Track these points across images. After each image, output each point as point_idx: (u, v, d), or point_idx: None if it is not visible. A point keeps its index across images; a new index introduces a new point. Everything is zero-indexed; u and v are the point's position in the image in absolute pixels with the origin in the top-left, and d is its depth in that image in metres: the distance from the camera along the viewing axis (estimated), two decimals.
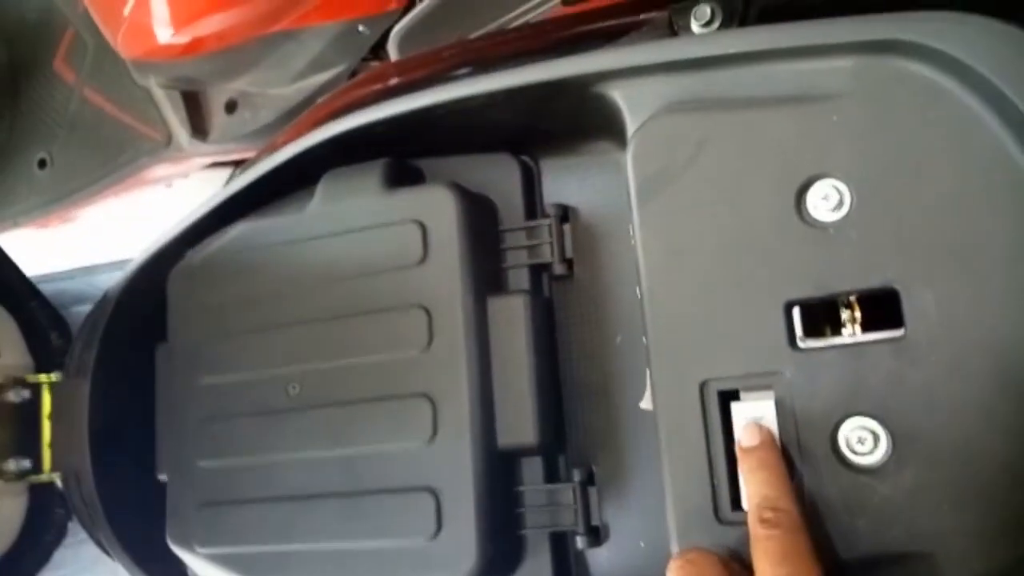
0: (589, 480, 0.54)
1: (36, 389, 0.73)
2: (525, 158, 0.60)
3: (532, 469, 0.54)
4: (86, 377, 0.69)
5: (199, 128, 1.10)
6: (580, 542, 0.53)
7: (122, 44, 1.06)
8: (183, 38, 0.99)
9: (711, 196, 0.44)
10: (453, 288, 0.54)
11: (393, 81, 0.69)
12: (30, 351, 0.74)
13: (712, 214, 0.44)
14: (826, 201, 0.42)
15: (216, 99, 1.11)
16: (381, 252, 0.56)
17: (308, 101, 1.05)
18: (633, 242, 0.48)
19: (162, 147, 1.19)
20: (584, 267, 0.57)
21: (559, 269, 0.57)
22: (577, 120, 0.56)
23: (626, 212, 0.53)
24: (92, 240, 1.36)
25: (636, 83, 0.47)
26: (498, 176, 0.60)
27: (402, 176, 0.60)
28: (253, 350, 0.58)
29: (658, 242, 0.46)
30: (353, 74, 1.01)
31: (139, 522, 0.65)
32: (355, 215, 0.57)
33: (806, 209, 0.43)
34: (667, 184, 0.45)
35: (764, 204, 0.43)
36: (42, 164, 1.31)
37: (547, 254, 0.57)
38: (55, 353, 0.75)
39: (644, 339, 0.46)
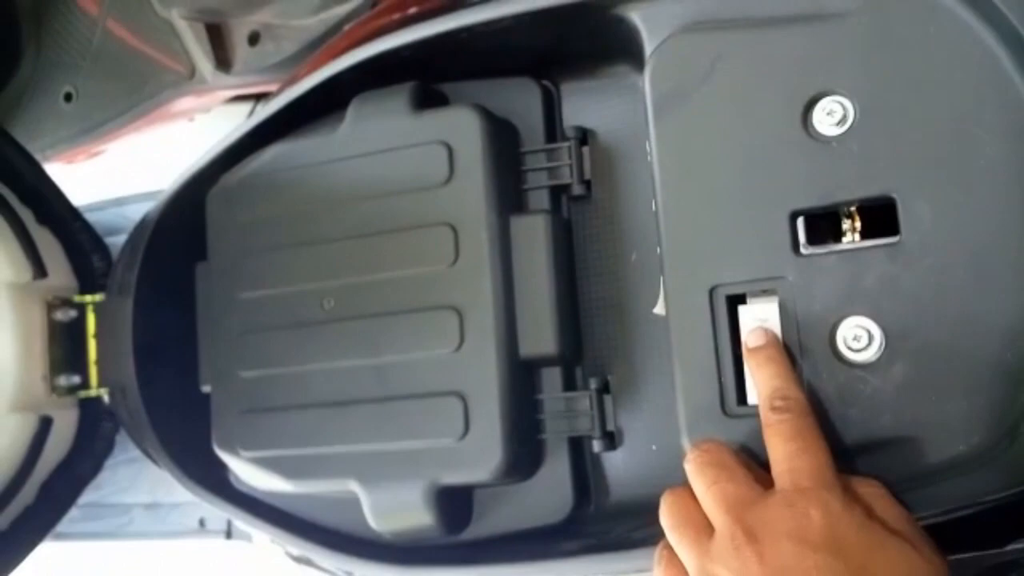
0: (604, 388, 0.58)
1: (81, 309, 0.78)
2: (546, 82, 0.63)
3: (552, 378, 0.58)
4: (128, 296, 0.73)
5: (223, 60, 1.12)
6: (596, 446, 0.57)
7: None
8: None
9: (723, 112, 0.47)
10: (478, 207, 0.57)
11: (412, 9, 0.72)
12: (74, 272, 0.78)
13: (723, 129, 0.47)
14: (830, 116, 0.45)
15: (239, 31, 1.13)
16: (409, 172, 0.59)
17: (330, 32, 1.06)
18: (649, 159, 0.51)
19: (185, 80, 1.21)
20: (602, 188, 0.60)
21: (578, 190, 0.60)
22: (597, 43, 0.59)
23: (643, 134, 0.56)
24: (119, 174, 1.40)
25: (654, 5, 0.50)
26: (520, 100, 0.62)
27: (428, 99, 0.62)
28: (288, 266, 0.62)
29: (672, 156, 0.49)
30: (375, 4, 1.03)
31: (183, 431, 0.71)
32: (383, 136, 0.60)
33: (812, 124, 0.45)
34: (682, 101, 0.48)
35: (772, 119, 0.46)
36: (68, 98, 1.33)
37: (566, 175, 0.60)
38: (97, 275, 0.79)
39: (658, 249, 0.50)
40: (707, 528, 0.41)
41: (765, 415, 0.42)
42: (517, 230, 0.58)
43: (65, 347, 0.76)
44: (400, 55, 0.61)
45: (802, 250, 0.45)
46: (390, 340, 0.58)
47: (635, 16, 0.51)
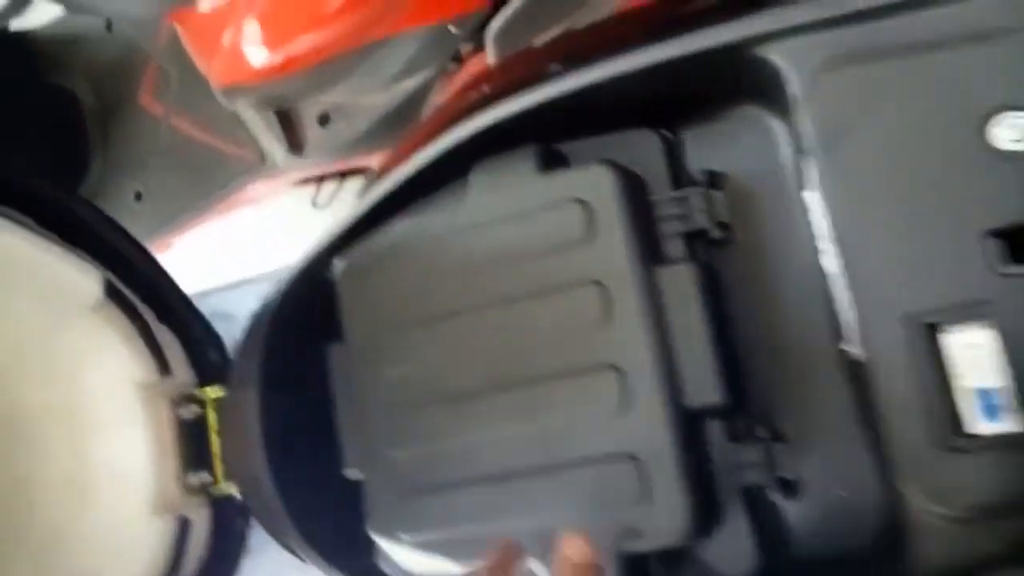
0: (777, 435, 0.56)
1: (202, 403, 0.77)
2: (663, 131, 0.62)
3: (719, 430, 0.56)
4: (252, 387, 0.72)
5: (294, 143, 1.14)
6: (774, 496, 0.55)
7: (217, 72, 1.09)
8: (277, 58, 1.03)
9: (895, 139, 0.46)
10: (622, 261, 0.56)
11: (512, 77, 0.72)
12: (192, 367, 0.77)
13: (899, 156, 0.46)
14: (1012, 130, 0.44)
15: (308, 113, 1.14)
16: (546, 233, 0.58)
17: (402, 106, 1.07)
18: (807, 194, 0.49)
19: (256, 166, 1.23)
20: (742, 229, 0.59)
21: (717, 233, 0.59)
22: (721, 86, 0.58)
23: (781, 171, 0.55)
24: (192, 265, 1.41)
25: (794, 42, 0.49)
26: (640, 151, 0.62)
27: (549, 160, 0.62)
28: (433, 338, 0.61)
29: (846, 189, 0.47)
30: (458, 59, 1.03)
31: (324, 520, 0.69)
32: (514, 200, 0.60)
33: (994, 140, 0.44)
34: (848, 134, 0.47)
35: (950, 140, 0.45)
36: (138, 196, 1.36)
37: (701, 220, 0.59)
38: (214, 367, 0.78)
39: (840, 283, 0.48)
40: None
41: None
42: (664, 281, 0.57)
43: (191, 444, 0.75)
44: (517, 121, 0.60)
45: (1004, 270, 0.44)
46: (550, 405, 0.57)
47: (774, 56, 0.50)
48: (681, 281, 0.56)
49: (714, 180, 0.59)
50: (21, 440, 0.66)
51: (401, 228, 0.64)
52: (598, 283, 0.56)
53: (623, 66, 0.55)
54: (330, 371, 0.69)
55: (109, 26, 1.41)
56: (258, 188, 1.26)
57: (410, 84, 1.05)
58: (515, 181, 0.60)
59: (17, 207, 0.64)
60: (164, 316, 0.75)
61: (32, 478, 0.68)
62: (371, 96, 1.09)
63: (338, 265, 0.70)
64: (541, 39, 0.94)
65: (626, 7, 0.87)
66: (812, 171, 0.49)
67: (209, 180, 1.27)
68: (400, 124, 1.10)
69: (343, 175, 1.33)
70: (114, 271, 0.69)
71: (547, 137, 0.64)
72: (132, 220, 1.37)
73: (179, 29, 1.11)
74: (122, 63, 1.38)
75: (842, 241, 0.47)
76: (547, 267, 0.58)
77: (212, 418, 0.78)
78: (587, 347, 0.56)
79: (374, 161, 1.24)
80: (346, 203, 1.32)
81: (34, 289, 0.65)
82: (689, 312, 0.56)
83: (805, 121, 0.48)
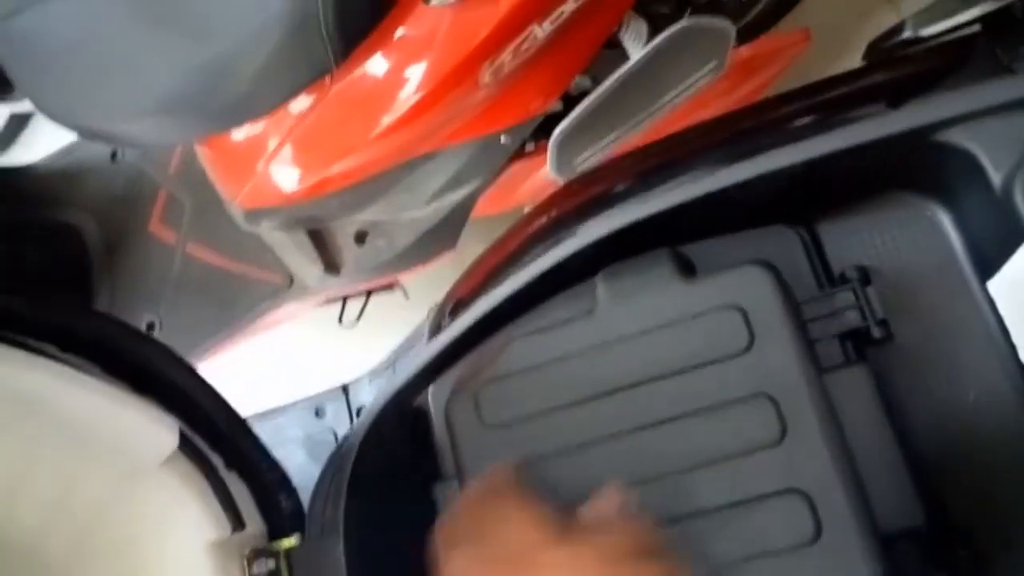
0: (978, 556, 0.49)
1: (277, 557, 0.68)
2: (798, 228, 0.58)
3: (918, 553, 0.49)
4: (336, 536, 0.63)
5: (330, 263, 1.07)
6: None
7: (246, 198, 1.04)
8: (310, 181, 0.97)
9: None
10: (792, 371, 0.51)
11: (598, 190, 0.68)
12: (263, 517, 0.68)
13: None
14: None
15: (343, 232, 1.09)
16: (698, 345, 0.53)
17: (446, 219, 1.03)
18: (994, 285, 0.45)
19: (283, 289, 1.16)
20: (906, 326, 0.54)
21: (877, 332, 0.53)
22: (868, 177, 0.54)
23: (952, 261, 0.51)
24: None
25: (994, 123, 0.45)
26: (777, 249, 0.57)
27: (681, 262, 0.57)
28: (577, 472, 0.53)
29: None
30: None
31: None
32: (657, 311, 0.54)
33: None
34: None
35: None
36: (151, 327, 1.27)
37: (858, 319, 0.54)
38: (287, 515, 0.69)
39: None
40: None
41: None
42: (838, 388, 0.51)
43: None
44: (643, 225, 0.55)
45: None
46: (730, 542, 0.49)
47: (964, 140, 0.46)
48: (856, 386, 0.51)
49: (864, 275, 0.55)
50: None
51: (522, 347, 0.57)
52: (768, 396, 0.50)
53: (771, 163, 0.50)
54: (439, 513, 0.60)
55: (114, 156, 1.36)
56: (285, 311, 1.19)
57: (454, 197, 1.01)
58: (655, 290, 0.55)
59: (83, 355, 0.56)
60: (233, 462, 0.66)
61: None
62: (412, 212, 1.04)
63: (437, 394, 0.63)
64: (601, 151, 0.92)
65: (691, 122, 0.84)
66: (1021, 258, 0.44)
67: (231, 307, 1.20)
68: (444, 239, 1.05)
69: (369, 292, 1.26)
70: (185, 418, 0.60)
71: (670, 240, 0.59)
72: None
73: (204, 156, 1.07)
74: (129, 193, 1.32)
75: None
76: (708, 381, 0.52)
77: (285, 570, 0.68)
78: (766, 470, 0.49)
79: (408, 276, 1.18)
80: (377, 321, 1.25)
81: (101, 451, 0.56)
82: (871, 422, 0.50)
83: (1016, 202, 0.44)
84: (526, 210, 0.74)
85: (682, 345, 0.53)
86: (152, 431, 0.57)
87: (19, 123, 1.71)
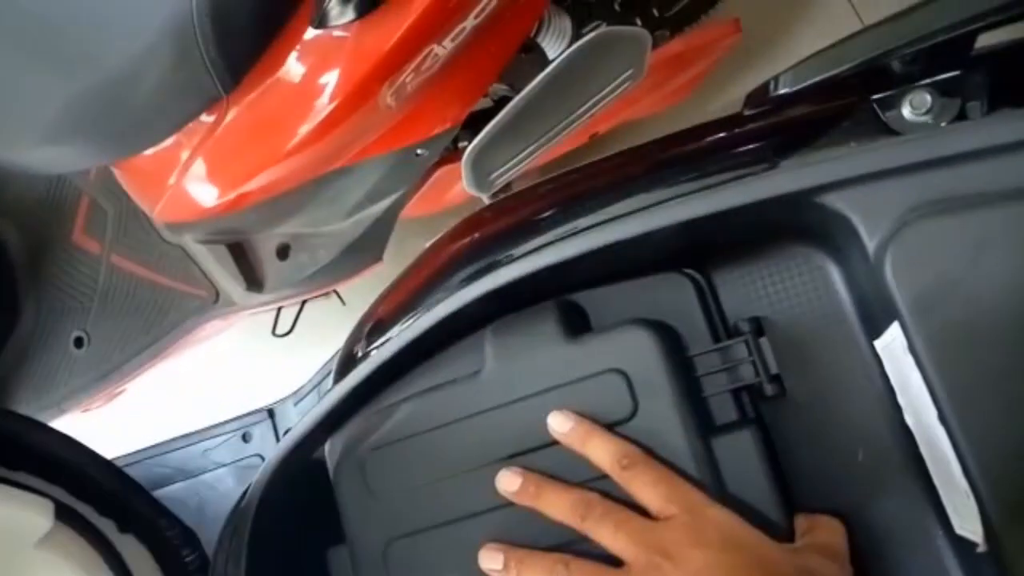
0: None
1: None
2: (693, 273, 0.56)
3: None
4: None
5: (252, 279, 1.04)
6: None
7: (162, 212, 1.00)
8: (228, 196, 0.94)
9: (1006, 290, 0.40)
10: (676, 438, 0.49)
11: (510, 222, 0.65)
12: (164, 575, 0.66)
13: (1013, 307, 0.39)
14: None
15: (264, 247, 1.05)
16: (585, 409, 0.51)
17: (368, 234, 1.00)
18: (882, 344, 0.43)
19: (210, 304, 1.13)
20: (797, 382, 0.52)
21: (769, 390, 0.52)
22: (762, 230, 0.52)
23: (841, 315, 0.49)
24: (145, 415, 1.29)
25: (870, 190, 0.43)
26: (670, 298, 0.55)
27: (572, 321, 0.55)
28: (464, 541, 0.52)
29: (950, 351, 0.40)
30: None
31: None
32: (542, 373, 0.52)
33: None
34: (949, 290, 0.40)
35: None
36: (79, 343, 1.23)
37: (749, 375, 0.52)
38: (190, 571, 0.67)
39: (938, 451, 0.41)
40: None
41: (620, 475, 0.48)
42: (724, 453, 0.49)
43: None
44: (533, 277, 0.53)
45: None
46: None
47: (841, 205, 0.44)
48: (743, 450, 0.49)
49: (758, 327, 0.53)
50: None
51: (407, 410, 0.55)
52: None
53: (661, 219, 0.48)
54: None
55: None
56: (213, 326, 1.16)
57: (375, 210, 0.98)
58: (540, 350, 0.52)
59: None
60: (127, 525, 0.64)
61: None
62: (333, 225, 1.01)
63: (333, 451, 0.61)
64: (520, 175, 0.88)
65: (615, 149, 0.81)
66: (896, 329, 0.42)
67: (159, 321, 1.16)
68: (367, 250, 1.01)
69: (303, 300, 1.23)
70: (68, 488, 0.58)
71: (563, 288, 0.57)
72: (73, 369, 1.24)
73: (117, 173, 1.02)
74: (51, 199, 1.26)
75: (955, 411, 0.40)
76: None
77: None
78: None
79: (338, 287, 1.15)
80: (314, 326, 1.22)
81: None
82: (753, 484, 0.48)
83: (887, 276, 0.42)
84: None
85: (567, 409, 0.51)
86: (22, 514, 0.54)
87: None
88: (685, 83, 1.12)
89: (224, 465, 0.99)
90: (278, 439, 0.98)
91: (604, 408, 0.50)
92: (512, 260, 0.51)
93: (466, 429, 0.53)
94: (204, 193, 0.92)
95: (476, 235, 0.65)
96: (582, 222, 0.56)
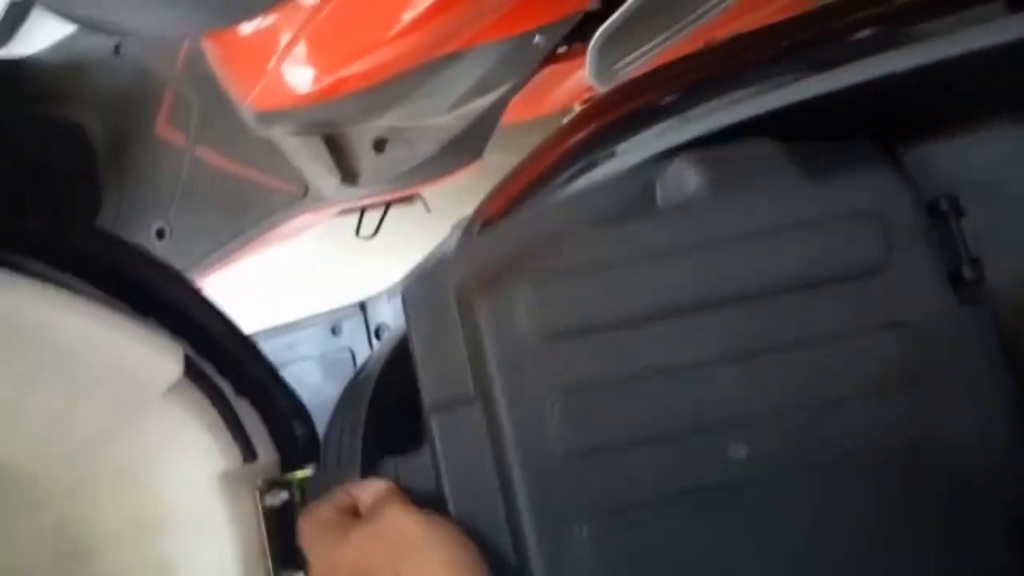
0: None
1: (290, 488, 0.64)
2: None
3: None
4: (354, 466, 0.59)
5: (347, 172, 1.00)
6: None
7: (257, 99, 0.96)
8: (326, 81, 0.89)
9: None
10: (930, 299, 0.44)
11: (641, 102, 0.60)
12: (275, 445, 0.64)
13: None
14: None
15: (360, 140, 1.01)
16: (822, 256, 0.45)
17: (471, 129, 0.95)
18: None
19: (298, 199, 1.10)
20: (995, 267, 0.47)
21: (970, 274, 0.47)
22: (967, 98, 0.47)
23: None
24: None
25: None
26: (862, 166, 0.50)
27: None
28: (650, 403, 0.46)
29: None
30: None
31: None
32: (773, 210, 0.46)
33: None
34: None
35: None
36: (160, 234, 1.21)
37: (951, 257, 0.47)
38: (300, 444, 0.65)
39: None
40: None
41: None
42: (971, 321, 0.45)
43: (282, 536, 0.62)
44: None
45: None
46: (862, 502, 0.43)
47: None
48: (983, 322, 0.44)
49: (958, 207, 0.48)
50: (92, 560, 0.52)
51: (585, 240, 0.48)
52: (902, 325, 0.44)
53: (869, 71, 0.42)
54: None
55: (117, 49, 1.27)
56: (300, 222, 1.13)
57: (482, 103, 0.93)
58: (772, 182, 0.46)
59: (79, 274, 0.50)
60: (243, 389, 0.61)
61: None
62: (435, 118, 0.96)
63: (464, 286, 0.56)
64: (644, 58, 0.83)
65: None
66: None
67: (243, 215, 1.14)
68: (469, 148, 0.97)
69: (388, 203, 1.20)
70: (191, 342, 0.55)
71: None
72: None
73: (212, 54, 0.98)
74: (134, 90, 1.23)
75: None
76: (822, 304, 0.45)
77: (300, 504, 0.65)
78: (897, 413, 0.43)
79: (429, 188, 1.11)
80: (397, 234, 1.19)
81: (98, 379, 0.51)
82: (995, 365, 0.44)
83: None
84: (565, 120, 0.66)
85: (800, 255, 0.45)
86: (155, 358, 0.52)
87: (19, 13, 1.61)
88: None
89: (311, 358, 0.97)
90: (369, 334, 0.96)
91: (848, 256, 0.45)
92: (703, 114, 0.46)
93: (666, 270, 0.46)
94: (303, 78, 0.88)
95: (602, 121, 0.60)
96: (742, 92, 0.51)
